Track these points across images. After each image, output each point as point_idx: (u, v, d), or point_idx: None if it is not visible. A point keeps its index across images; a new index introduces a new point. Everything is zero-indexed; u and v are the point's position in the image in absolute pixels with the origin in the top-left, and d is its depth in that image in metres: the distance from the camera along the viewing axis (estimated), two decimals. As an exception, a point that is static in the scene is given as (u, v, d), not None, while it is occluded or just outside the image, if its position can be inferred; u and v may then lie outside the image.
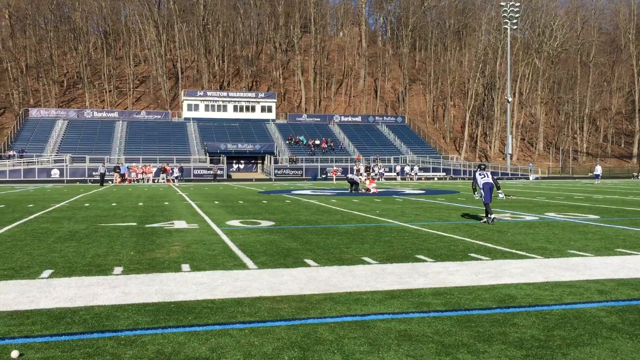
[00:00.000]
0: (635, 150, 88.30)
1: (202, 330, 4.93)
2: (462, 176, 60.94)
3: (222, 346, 4.51)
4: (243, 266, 7.93)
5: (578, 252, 9.11)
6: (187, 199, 23.65)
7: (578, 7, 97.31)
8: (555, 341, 4.67)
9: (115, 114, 69.55)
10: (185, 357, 4.27)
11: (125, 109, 77.10)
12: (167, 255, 8.81)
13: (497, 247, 9.64)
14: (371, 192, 27.99)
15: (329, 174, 55.84)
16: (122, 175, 48.37)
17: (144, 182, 49.34)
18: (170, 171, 48.75)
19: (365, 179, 31.26)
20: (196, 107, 70.21)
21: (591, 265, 8.03)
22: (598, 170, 46.52)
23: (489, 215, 13.37)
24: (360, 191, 28.63)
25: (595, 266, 7.93)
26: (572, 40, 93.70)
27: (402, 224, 13.38)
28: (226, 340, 4.66)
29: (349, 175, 31.39)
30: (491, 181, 13.73)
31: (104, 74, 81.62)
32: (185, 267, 7.86)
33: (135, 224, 13.55)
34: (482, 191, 13.66)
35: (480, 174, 13.93)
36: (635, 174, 64.17)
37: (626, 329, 4.99)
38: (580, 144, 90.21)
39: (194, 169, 56.05)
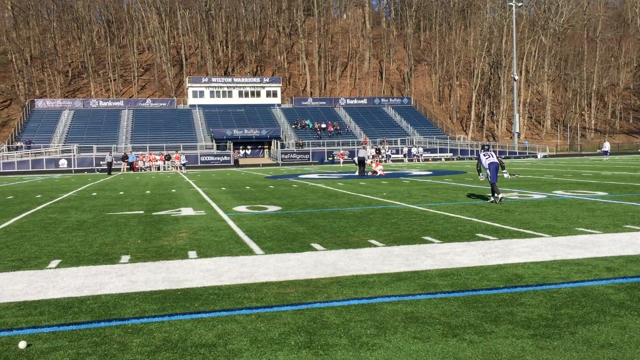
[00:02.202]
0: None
1: (209, 316, 4.94)
2: (469, 156, 60.68)
3: (228, 332, 4.51)
4: (250, 252, 7.93)
5: (586, 230, 9.05)
6: (194, 185, 23.68)
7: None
8: (563, 320, 4.64)
9: (121, 103, 69.60)
10: (192, 344, 4.28)
11: (130, 97, 77.12)
12: (174, 243, 8.83)
13: (505, 227, 9.59)
14: (378, 174, 27.92)
15: (335, 157, 55.78)
16: (131, 164, 48.51)
17: (150, 170, 49.47)
18: (179, 158, 48.85)
19: (371, 162, 30.88)
20: (201, 94, 70.13)
21: (599, 242, 7.97)
22: (606, 146, 46.18)
23: (496, 195, 13.30)
24: (367, 173, 28.49)
25: (604, 243, 7.88)
26: (578, 15, 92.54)
27: (409, 205, 13.34)
28: (233, 326, 4.66)
29: (358, 157, 29.36)
30: (497, 161, 13.66)
31: (108, 63, 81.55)
32: (192, 254, 7.87)
33: (142, 212, 13.59)
34: (487, 171, 13.59)
35: (485, 155, 13.86)
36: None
37: (634, 306, 4.95)
38: (588, 120, 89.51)
39: (200, 155, 56.12)
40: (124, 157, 48.90)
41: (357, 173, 28.97)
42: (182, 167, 47.43)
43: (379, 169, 28.66)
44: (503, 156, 60.90)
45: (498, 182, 13.82)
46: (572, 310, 4.88)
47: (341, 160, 53.00)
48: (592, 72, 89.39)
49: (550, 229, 9.22)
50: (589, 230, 8.99)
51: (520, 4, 69.18)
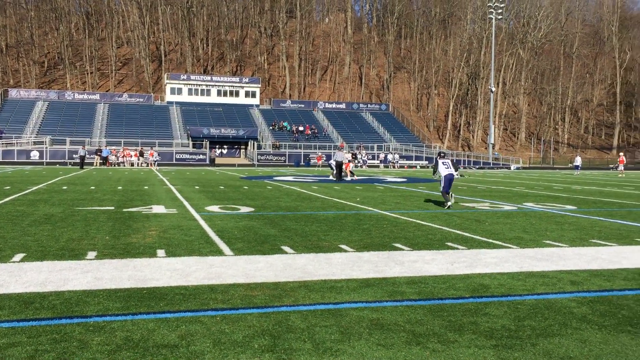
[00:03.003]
0: (615, 142, 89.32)
1: (173, 317, 4.88)
2: (458, 167, 61.23)
3: (192, 333, 4.47)
4: (219, 252, 7.88)
5: (553, 243, 9.18)
6: (168, 183, 23.47)
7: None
8: (525, 331, 4.69)
9: (97, 96, 68.71)
10: (154, 344, 4.22)
11: (107, 91, 76.18)
12: (142, 241, 8.73)
13: (474, 237, 9.68)
14: (348, 178, 28.00)
15: (312, 161, 55.79)
16: (105, 159, 47.88)
17: (124, 165, 48.90)
18: (153, 154, 48.38)
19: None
20: (179, 91, 69.58)
21: (565, 255, 8.09)
22: (578, 161, 47.03)
23: (448, 203, 14.37)
24: (346, 178, 28.34)
25: (569, 257, 8.00)
26: (556, 31, 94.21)
27: (382, 212, 13.39)
28: (196, 327, 4.62)
29: (335, 159, 28.17)
30: (453, 173, 14.57)
31: (86, 55, 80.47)
32: (161, 252, 7.78)
33: (112, 208, 13.41)
34: (441, 181, 14.59)
35: (444, 163, 14.74)
36: (612, 165, 64.97)
37: (596, 320, 5.03)
38: (561, 134, 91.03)
39: (176, 153, 55.63)
40: (97, 151, 48.24)
41: (331, 177, 28.79)
42: (155, 164, 47.00)
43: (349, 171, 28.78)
44: (477, 166, 61.62)
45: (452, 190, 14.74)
46: (535, 322, 4.94)
47: (319, 163, 53.00)
48: (567, 87, 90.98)
49: (518, 241, 9.33)
50: (556, 243, 9.12)
51: (500, 17, 70.12)
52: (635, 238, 9.83)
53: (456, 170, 14.91)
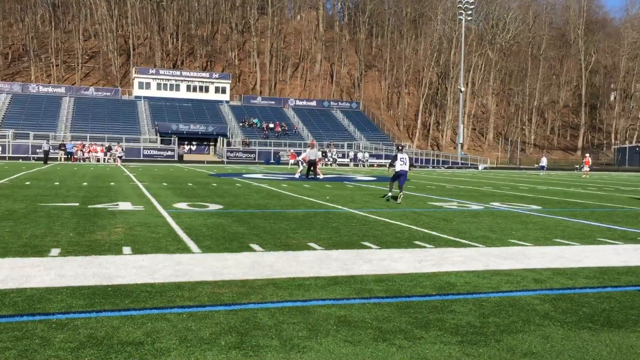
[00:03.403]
0: (580, 144, 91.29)
1: (139, 314, 4.82)
2: (413, 164, 61.75)
3: (157, 330, 4.42)
4: (187, 250, 7.80)
5: (518, 242, 9.34)
6: (135, 179, 23.16)
7: (530, 1, 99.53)
8: (490, 328, 4.77)
9: (62, 90, 67.34)
10: (119, 341, 4.17)
11: (73, 84, 74.71)
12: (108, 237, 8.60)
13: (442, 235, 9.79)
14: (321, 176, 27.97)
15: (281, 159, 55.58)
16: (69, 154, 46.97)
17: (90, 161, 48.07)
18: (119, 150, 47.65)
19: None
20: (148, 86, 68.66)
21: (530, 254, 8.24)
22: (543, 162, 47.92)
23: (390, 194, 15.43)
24: (319, 176, 28.27)
25: (534, 255, 8.15)
26: (524, 33, 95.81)
27: (351, 210, 13.44)
28: (162, 324, 4.57)
29: (308, 158, 27.79)
30: (407, 169, 15.36)
31: (52, 48, 78.81)
32: (127, 249, 7.67)
33: (77, 204, 13.18)
34: (395, 173, 15.31)
35: (401, 159, 15.28)
36: (577, 166, 66.41)
37: (558, 317, 5.14)
38: (528, 135, 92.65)
39: (143, 149, 54.89)
40: (61, 146, 47.31)
41: (297, 175, 28.59)
42: (119, 159, 46.30)
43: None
44: (446, 166, 62.34)
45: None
46: (499, 319, 5.02)
47: (291, 161, 52.83)
48: (535, 89, 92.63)
49: (484, 240, 9.47)
50: (521, 242, 9.28)
51: (469, 18, 71.02)
52: (597, 237, 10.07)
53: (411, 167, 15.55)
